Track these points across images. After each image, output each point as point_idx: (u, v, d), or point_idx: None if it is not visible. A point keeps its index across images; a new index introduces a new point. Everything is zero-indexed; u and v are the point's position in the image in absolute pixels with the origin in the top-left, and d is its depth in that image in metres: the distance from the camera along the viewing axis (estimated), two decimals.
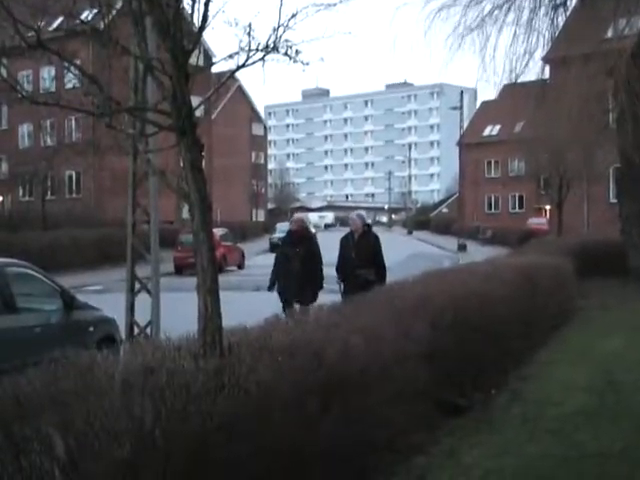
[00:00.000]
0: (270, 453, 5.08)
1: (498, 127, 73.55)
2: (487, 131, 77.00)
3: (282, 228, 47.33)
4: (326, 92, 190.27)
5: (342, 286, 12.27)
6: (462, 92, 68.72)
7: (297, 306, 11.38)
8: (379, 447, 6.71)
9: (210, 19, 5.58)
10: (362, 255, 11.99)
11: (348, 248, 12.21)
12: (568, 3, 19.76)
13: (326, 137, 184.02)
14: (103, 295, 23.74)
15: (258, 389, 5.11)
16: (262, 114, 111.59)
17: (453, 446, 7.64)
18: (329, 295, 12.18)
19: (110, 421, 4.19)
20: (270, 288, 12.96)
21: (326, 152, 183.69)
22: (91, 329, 11.21)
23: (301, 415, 5.49)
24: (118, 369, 5.01)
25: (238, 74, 6.51)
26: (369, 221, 13.39)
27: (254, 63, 5.97)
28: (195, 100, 5.62)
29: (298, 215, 13.53)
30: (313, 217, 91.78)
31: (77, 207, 50.39)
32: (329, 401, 5.88)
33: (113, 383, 4.71)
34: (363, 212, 13.05)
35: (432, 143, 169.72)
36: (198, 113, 5.74)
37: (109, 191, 50.63)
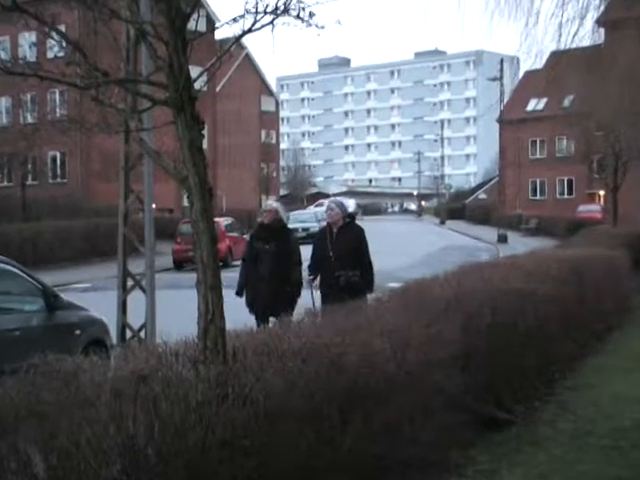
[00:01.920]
0: (280, 472, 5.09)
1: (544, 101, 73.34)
2: (531, 105, 76.72)
3: (296, 217, 47.41)
4: (346, 61, 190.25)
5: (314, 284, 11.36)
6: (502, 60, 68.23)
7: (272, 319, 10.53)
8: (406, 466, 6.70)
9: None
10: (342, 253, 10.97)
11: (324, 245, 11.20)
12: None
13: (346, 113, 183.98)
14: (92, 293, 23.87)
15: (266, 400, 5.12)
16: (273, 87, 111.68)
17: (491, 466, 7.63)
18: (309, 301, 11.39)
19: (97, 436, 4.21)
20: (239, 293, 11.91)
21: (346, 130, 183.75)
22: (77, 332, 11.27)
23: (316, 429, 5.49)
24: (107, 377, 5.03)
25: (245, 41, 6.51)
26: (351, 209, 12.49)
27: (262, 27, 5.93)
28: (195, 71, 5.61)
29: (271, 203, 12.30)
30: None
31: (62, 193, 50.60)
32: (349, 414, 5.89)
33: (101, 393, 4.72)
34: (344, 199, 12.33)
35: (468, 119, 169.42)
36: (198, 85, 5.73)
37: (98, 175, 50.83)
